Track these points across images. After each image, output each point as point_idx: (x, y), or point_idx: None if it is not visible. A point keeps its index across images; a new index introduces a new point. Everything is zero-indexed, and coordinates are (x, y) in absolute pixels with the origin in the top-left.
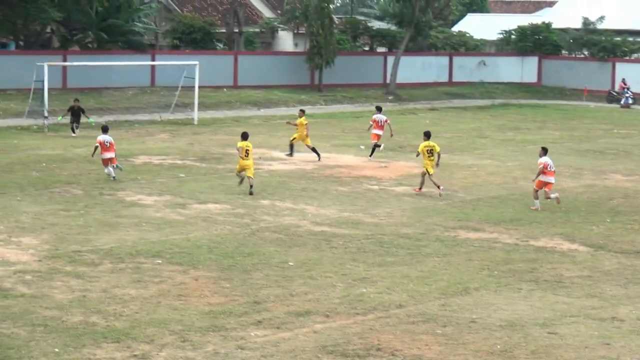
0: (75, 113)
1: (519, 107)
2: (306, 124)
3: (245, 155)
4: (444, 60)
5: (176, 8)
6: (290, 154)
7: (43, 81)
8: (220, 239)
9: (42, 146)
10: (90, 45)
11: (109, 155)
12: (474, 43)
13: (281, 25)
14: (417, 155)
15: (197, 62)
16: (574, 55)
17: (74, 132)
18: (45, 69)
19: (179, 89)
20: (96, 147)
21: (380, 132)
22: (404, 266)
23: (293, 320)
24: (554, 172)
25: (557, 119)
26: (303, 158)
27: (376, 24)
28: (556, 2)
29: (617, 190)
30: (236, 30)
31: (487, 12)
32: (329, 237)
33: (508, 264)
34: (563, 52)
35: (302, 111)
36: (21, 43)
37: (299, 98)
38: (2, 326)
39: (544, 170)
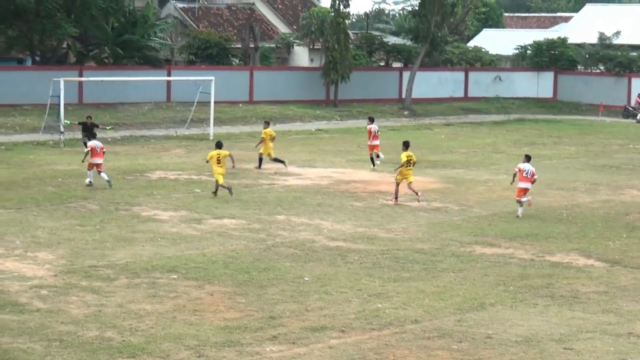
0: (88, 129)
1: (534, 122)
2: (271, 135)
3: (218, 163)
4: (460, 75)
5: (192, 24)
6: (259, 167)
7: (59, 96)
8: (235, 254)
9: (58, 161)
10: (106, 61)
11: (97, 160)
12: (489, 58)
13: (297, 41)
14: (398, 168)
15: (212, 78)
16: (589, 71)
17: (86, 146)
18: (61, 84)
19: (195, 104)
20: (87, 152)
21: (377, 142)
22: (420, 281)
23: (308, 336)
24: (530, 178)
25: (572, 134)
26: (318, 174)
27: (392, 39)
28: (572, 17)
29: (634, 205)
30: (252, 46)
31: (503, 27)
32: (345, 253)
33: (524, 280)
34: (579, 67)
35: (267, 123)
36: (37, 58)
37: (315, 113)
38: (18, 341)
39: (520, 177)
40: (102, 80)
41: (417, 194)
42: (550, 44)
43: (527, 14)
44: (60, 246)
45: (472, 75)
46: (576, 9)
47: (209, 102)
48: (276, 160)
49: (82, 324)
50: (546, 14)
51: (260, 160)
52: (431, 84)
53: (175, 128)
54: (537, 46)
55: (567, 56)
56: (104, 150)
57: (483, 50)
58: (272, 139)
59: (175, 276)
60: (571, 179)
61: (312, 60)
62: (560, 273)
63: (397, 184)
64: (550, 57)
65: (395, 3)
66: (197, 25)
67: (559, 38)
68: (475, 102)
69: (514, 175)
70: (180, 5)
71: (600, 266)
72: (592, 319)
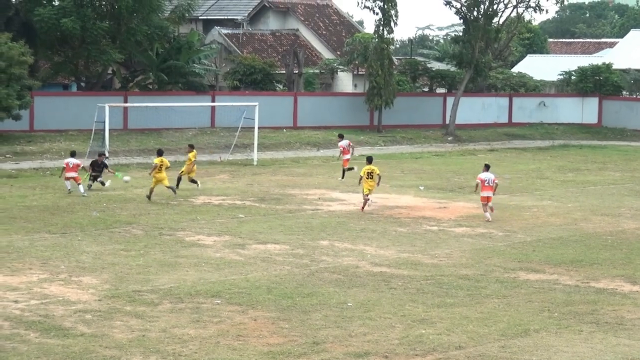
0: (98, 167)
1: (579, 148)
2: (194, 159)
3: (159, 170)
4: (504, 101)
5: (236, 49)
6: (176, 187)
7: (104, 122)
8: (279, 279)
9: (102, 186)
10: (150, 87)
11: (71, 174)
12: (534, 84)
13: (341, 66)
14: (360, 179)
15: (257, 103)
16: (634, 96)
17: (89, 187)
18: (106, 110)
19: (239, 129)
20: (63, 169)
21: (349, 156)
22: (464, 307)
23: None
24: (492, 187)
25: (617, 160)
26: (362, 199)
27: (436, 65)
28: (617, 43)
29: None
30: (296, 71)
31: (547, 53)
32: (388, 278)
33: (568, 306)
34: (624, 92)
35: (191, 146)
36: (83, 84)
37: (358, 139)
38: None
39: (482, 186)
40: (146, 106)
41: (368, 200)
42: (595, 70)
43: (571, 40)
44: (105, 271)
45: (517, 100)
46: (621, 34)
47: (253, 128)
48: (193, 181)
49: (126, 349)
50: (591, 40)
51: (179, 180)
52: (475, 109)
53: (219, 153)
54: (582, 72)
55: (611, 82)
56: (79, 166)
57: (527, 75)
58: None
59: (218, 301)
60: (616, 204)
61: (355, 85)
62: (606, 299)
63: (364, 194)
64: (595, 83)
65: (439, 29)
66: (241, 51)
67: (603, 64)
68: (519, 128)
69: (477, 185)
70: (224, 31)
71: None
72: (637, 345)
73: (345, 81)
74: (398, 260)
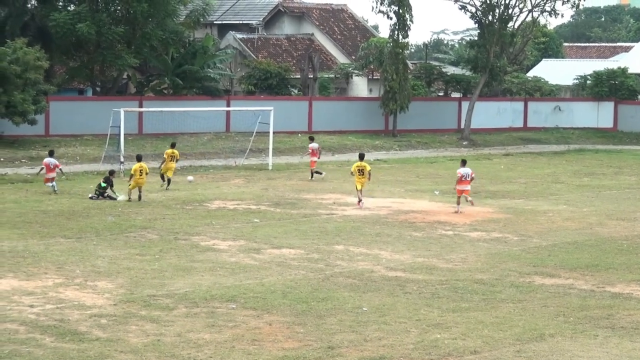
0: (107, 182)
1: (594, 152)
2: (172, 155)
3: (140, 175)
4: (519, 105)
5: (251, 54)
6: (166, 184)
7: (119, 127)
8: (294, 284)
9: (118, 191)
10: (166, 91)
11: (51, 175)
12: (549, 88)
13: (355, 71)
14: (352, 174)
15: (272, 108)
16: None
17: (92, 198)
18: (121, 114)
19: (254, 134)
20: (42, 168)
21: (316, 158)
22: (479, 312)
23: None
24: (469, 181)
25: (633, 164)
26: (377, 203)
27: (451, 69)
28: (632, 47)
29: None
30: (311, 76)
31: (563, 57)
32: (403, 283)
33: (584, 311)
34: (639, 97)
35: (173, 144)
36: (98, 89)
37: (373, 143)
38: None
39: (459, 180)
40: (162, 111)
41: (360, 201)
42: (611, 74)
43: (586, 44)
44: (120, 275)
45: (532, 105)
46: (636, 38)
47: (268, 132)
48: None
49: (141, 353)
50: (606, 44)
51: (162, 177)
52: (490, 114)
53: (234, 158)
54: (597, 76)
55: (627, 86)
56: (58, 167)
57: (542, 80)
58: (173, 159)
59: (234, 306)
60: (632, 209)
61: (370, 90)
62: (621, 304)
63: (357, 190)
64: (611, 87)
65: (454, 33)
66: (256, 55)
67: (619, 68)
68: (534, 132)
69: (457, 180)
70: (239, 35)
71: None
72: None
73: (360, 86)
74: (413, 265)
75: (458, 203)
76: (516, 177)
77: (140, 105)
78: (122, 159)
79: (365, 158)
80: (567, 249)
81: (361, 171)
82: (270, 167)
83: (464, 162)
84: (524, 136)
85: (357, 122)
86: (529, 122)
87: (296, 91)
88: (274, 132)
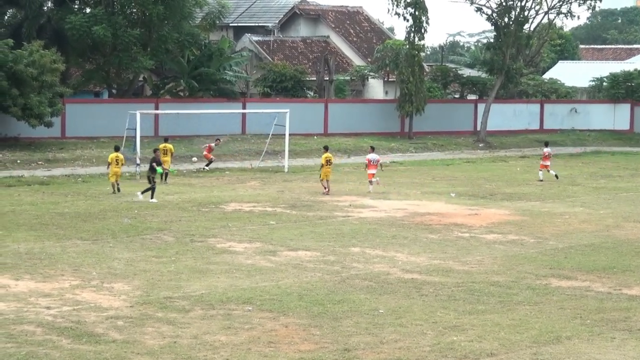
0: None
1: (611, 154)
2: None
3: (116, 164)
4: (535, 107)
5: (267, 56)
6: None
7: (135, 129)
8: (310, 286)
9: (134, 193)
10: (181, 94)
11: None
12: (565, 90)
13: (371, 73)
14: (322, 166)
15: (287, 110)
16: None
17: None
18: (137, 117)
19: (270, 136)
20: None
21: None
22: (495, 314)
23: None
24: (376, 165)
25: None
26: (393, 206)
27: (467, 72)
28: None
29: None
30: (327, 78)
31: (579, 59)
32: (419, 285)
33: (601, 313)
34: None
35: (166, 139)
36: (114, 91)
37: (389, 145)
38: None
39: (368, 164)
40: (177, 113)
41: (325, 188)
42: (627, 76)
43: (603, 46)
44: (136, 277)
45: (548, 107)
46: None
47: (284, 135)
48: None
49: (157, 355)
50: (622, 46)
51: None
52: (506, 116)
53: (250, 160)
54: (614, 78)
55: None
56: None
57: (559, 82)
58: (167, 153)
59: (250, 308)
60: None
61: (386, 92)
62: (638, 306)
63: (322, 181)
64: (627, 89)
65: (470, 35)
66: (272, 58)
67: (635, 70)
68: (550, 134)
69: (366, 165)
70: (255, 38)
71: None
72: None
73: (376, 88)
74: (429, 267)
75: (370, 184)
76: (532, 180)
77: (156, 108)
78: (138, 161)
79: (375, 158)
80: (584, 252)
81: (329, 162)
82: (286, 170)
83: (372, 149)
84: (540, 138)
85: (373, 124)
86: (545, 124)
87: (312, 93)
88: (289, 135)
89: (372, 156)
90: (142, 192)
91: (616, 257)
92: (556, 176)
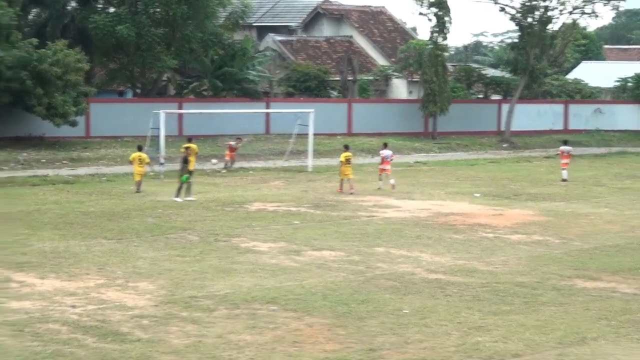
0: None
1: (636, 155)
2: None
3: (139, 163)
4: (559, 108)
5: (290, 56)
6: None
7: (159, 128)
8: (334, 286)
9: (158, 192)
10: (205, 93)
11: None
12: (589, 90)
13: (395, 73)
14: (341, 164)
15: (311, 110)
16: None
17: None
18: (161, 116)
19: (294, 136)
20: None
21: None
22: (520, 315)
23: None
24: (389, 161)
25: None
26: (417, 206)
27: (490, 72)
28: None
29: None
30: (350, 78)
31: (603, 59)
32: (444, 285)
33: (626, 314)
34: None
35: (190, 138)
36: (138, 91)
37: (413, 145)
38: None
39: (382, 160)
40: (201, 113)
41: (351, 187)
42: None
43: (627, 46)
44: (161, 276)
45: (572, 107)
46: None
47: (308, 134)
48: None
49: (182, 354)
50: None
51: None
52: (530, 116)
53: (274, 160)
54: (638, 78)
55: None
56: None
57: (583, 82)
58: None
59: (274, 307)
60: None
61: (410, 92)
62: None
63: (341, 180)
64: None
65: (494, 35)
66: (295, 57)
67: None
68: (575, 135)
69: (381, 160)
70: (278, 38)
71: None
72: None
73: (400, 88)
74: (454, 267)
75: (380, 180)
76: (557, 180)
77: (180, 107)
78: (162, 160)
79: (389, 154)
80: (609, 252)
81: (348, 160)
82: (310, 169)
83: (385, 145)
84: (564, 139)
85: (397, 124)
86: (569, 124)
87: (335, 93)
88: (313, 134)
89: (387, 152)
90: (177, 194)
91: None
92: (564, 180)
